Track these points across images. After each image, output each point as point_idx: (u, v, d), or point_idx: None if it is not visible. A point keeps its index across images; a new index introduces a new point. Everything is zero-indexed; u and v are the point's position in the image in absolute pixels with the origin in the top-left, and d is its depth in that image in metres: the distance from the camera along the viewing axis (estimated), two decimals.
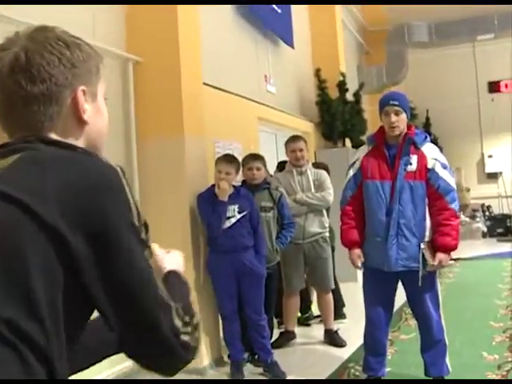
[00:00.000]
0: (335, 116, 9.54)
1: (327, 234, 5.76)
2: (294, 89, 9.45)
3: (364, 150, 4.40)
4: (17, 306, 1.02)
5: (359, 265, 4.29)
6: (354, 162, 4.39)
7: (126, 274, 1.12)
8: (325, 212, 5.80)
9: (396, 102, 4.16)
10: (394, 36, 13.97)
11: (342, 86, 9.91)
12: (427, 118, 15.51)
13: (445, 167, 4.13)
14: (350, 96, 10.10)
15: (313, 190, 5.63)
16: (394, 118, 4.12)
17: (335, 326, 5.91)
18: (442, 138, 15.30)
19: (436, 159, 4.11)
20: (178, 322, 1.17)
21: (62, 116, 1.25)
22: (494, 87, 15.80)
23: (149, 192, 5.13)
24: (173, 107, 5.08)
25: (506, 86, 15.71)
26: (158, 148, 5.15)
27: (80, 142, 1.27)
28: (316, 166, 6.17)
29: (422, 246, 4.07)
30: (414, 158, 4.11)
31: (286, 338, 5.83)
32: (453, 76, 15.65)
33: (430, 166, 4.09)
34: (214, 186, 4.97)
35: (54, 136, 1.24)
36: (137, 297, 1.13)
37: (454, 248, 4.13)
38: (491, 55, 15.31)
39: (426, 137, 4.25)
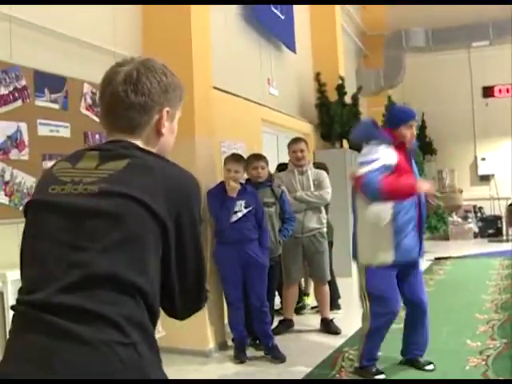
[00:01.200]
0: (334, 118, 9.96)
1: (324, 230, 6.20)
2: (294, 92, 9.86)
3: (386, 148, 4.43)
4: (137, 274, 1.47)
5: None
6: (380, 158, 4.34)
7: (194, 244, 1.64)
8: (323, 209, 6.23)
9: (417, 118, 4.77)
10: (392, 41, 14.37)
11: (340, 90, 10.32)
12: (423, 121, 15.84)
13: None
14: (348, 99, 10.53)
15: (312, 188, 6.07)
16: (414, 131, 4.65)
17: (331, 315, 6.34)
18: (437, 140, 15.74)
19: None
20: None
21: (149, 125, 1.69)
22: (488, 92, 16.19)
23: None
24: (185, 110, 5.46)
25: (500, 91, 16.12)
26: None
27: (154, 150, 1.72)
28: (316, 165, 6.60)
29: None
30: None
31: (285, 325, 6.26)
32: (448, 80, 16.03)
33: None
34: (222, 182, 5.38)
35: (140, 142, 1.68)
36: (196, 258, 1.66)
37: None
38: (486, 61, 15.67)
39: None
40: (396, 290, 4.60)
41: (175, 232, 1.56)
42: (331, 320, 6.24)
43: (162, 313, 1.65)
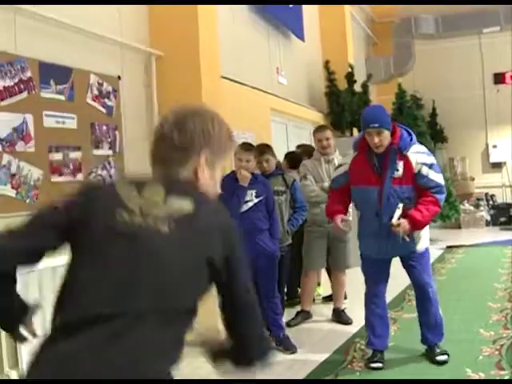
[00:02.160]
0: (343, 107, 9.91)
1: (350, 218, 6.12)
2: (304, 80, 9.80)
3: (351, 156, 4.66)
4: (196, 300, 1.69)
5: (343, 227, 4.63)
6: (340, 165, 4.75)
7: (243, 274, 1.80)
8: None
9: (376, 125, 4.33)
10: (402, 28, 14.25)
11: (350, 78, 10.26)
12: (433, 109, 15.76)
13: (430, 166, 4.42)
14: (357, 87, 10.45)
15: None
16: (376, 139, 4.35)
17: (343, 305, 6.28)
18: (448, 128, 15.60)
19: (422, 163, 4.40)
20: None
21: (191, 165, 1.78)
22: (499, 79, 16.00)
23: None
24: (193, 99, 5.45)
25: (511, 77, 15.94)
26: None
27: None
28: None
29: (400, 205, 4.35)
30: (400, 164, 4.40)
31: (303, 317, 6.21)
32: (459, 67, 15.86)
33: (415, 170, 4.39)
34: (233, 172, 5.33)
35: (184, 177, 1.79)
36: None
37: (419, 223, 4.36)
38: (497, 47, 15.48)
39: (411, 139, 4.51)
40: (380, 277, 4.70)
41: (225, 264, 1.73)
42: (343, 310, 6.19)
43: None
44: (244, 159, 5.26)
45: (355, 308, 6.00)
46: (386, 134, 4.37)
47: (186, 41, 5.53)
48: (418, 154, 4.45)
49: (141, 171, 5.15)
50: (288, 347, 5.23)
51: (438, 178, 4.43)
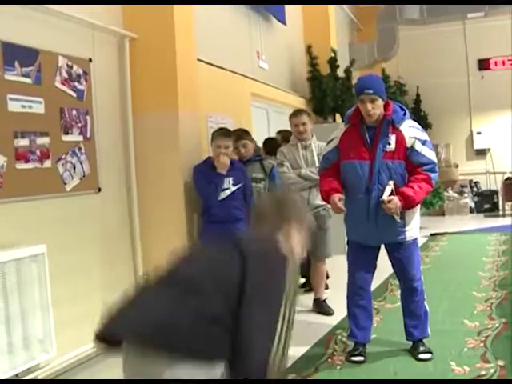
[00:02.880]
0: (326, 92, 9.71)
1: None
2: (285, 65, 9.59)
3: (342, 128, 4.49)
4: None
5: (341, 206, 4.33)
6: (331, 140, 4.52)
7: None
8: None
9: (371, 91, 4.18)
10: (386, 13, 14.02)
11: (332, 63, 10.06)
12: (417, 95, 15.62)
13: (424, 143, 4.24)
14: (341, 72, 10.25)
15: (317, 164, 5.73)
16: (369, 106, 4.19)
17: (324, 295, 6.11)
18: (432, 114, 15.45)
19: (415, 137, 4.22)
20: None
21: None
22: (483, 65, 15.88)
23: (145, 165, 5.32)
24: (168, 83, 5.25)
25: (496, 63, 15.82)
26: (153, 122, 5.32)
27: None
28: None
29: (391, 182, 4.18)
30: (392, 138, 4.22)
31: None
32: (443, 53, 15.71)
33: (408, 145, 4.20)
34: (210, 158, 5.14)
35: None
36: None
37: (411, 200, 4.16)
38: (481, 33, 15.35)
39: (404, 113, 4.33)
40: (366, 266, 4.50)
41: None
42: (324, 300, 6.01)
43: None
44: (223, 145, 5.08)
45: (337, 298, 5.81)
46: (380, 102, 4.22)
47: (161, 23, 5.30)
48: (412, 129, 4.28)
49: (112, 158, 4.86)
50: None
51: (431, 155, 4.25)
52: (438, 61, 15.70)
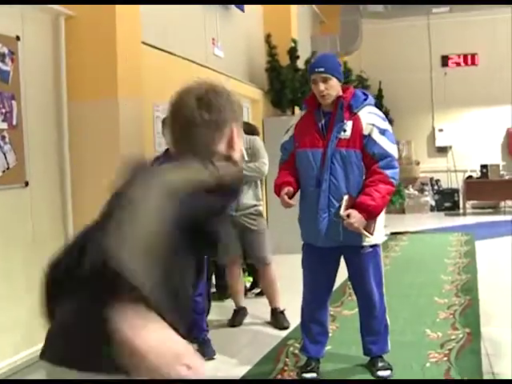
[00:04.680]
0: (285, 83, 9.27)
1: (261, 207, 5.48)
2: (243, 54, 9.12)
3: (298, 116, 4.10)
4: None
5: (288, 200, 3.84)
6: (289, 129, 4.07)
7: None
8: (259, 183, 5.52)
9: (322, 69, 3.78)
10: (349, 5, 13.69)
11: (292, 53, 9.62)
12: (380, 90, 15.32)
13: (383, 132, 3.76)
14: (301, 64, 9.82)
15: (246, 158, 5.30)
16: (322, 86, 3.77)
17: (281, 305, 5.49)
18: (394, 110, 15.16)
19: (373, 124, 3.75)
20: None
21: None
22: (446, 61, 15.69)
23: (81, 156, 4.80)
24: (106, 66, 4.74)
25: (456, 63, 15.63)
26: (91, 110, 4.81)
27: None
28: (244, 129, 5.89)
29: (346, 196, 3.72)
30: (348, 125, 3.76)
31: (240, 314, 5.57)
32: (407, 48, 15.49)
33: (365, 132, 3.73)
34: (168, 150, 4.67)
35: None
36: None
37: (373, 210, 3.70)
38: (445, 29, 15.19)
39: (365, 98, 3.87)
40: (321, 275, 4.00)
41: None
42: (282, 311, 5.44)
43: None
44: None
45: (290, 302, 5.37)
46: (334, 82, 3.79)
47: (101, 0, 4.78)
48: (371, 115, 3.81)
49: (43, 148, 4.21)
50: (205, 353, 4.46)
51: (389, 147, 3.76)
52: (402, 56, 15.48)
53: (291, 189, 3.89)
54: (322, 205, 3.79)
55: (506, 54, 14.57)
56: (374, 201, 3.68)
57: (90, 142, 4.81)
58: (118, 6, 4.74)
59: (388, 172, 3.75)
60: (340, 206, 3.70)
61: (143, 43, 5.33)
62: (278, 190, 3.95)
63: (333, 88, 3.80)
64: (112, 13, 4.75)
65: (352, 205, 3.70)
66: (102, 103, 4.76)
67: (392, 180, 3.76)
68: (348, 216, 3.64)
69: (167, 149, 4.71)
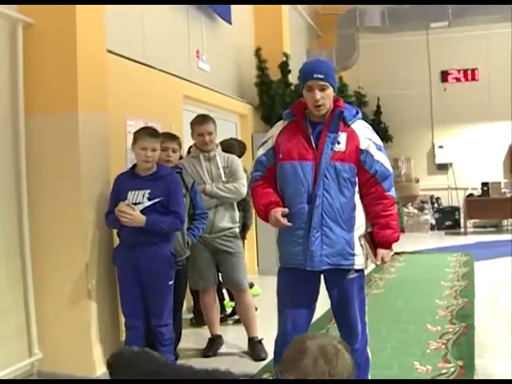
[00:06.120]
0: (275, 99, 8.95)
1: (237, 230, 5.11)
2: (231, 68, 8.79)
3: (279, 126, 3.66)
4: None
5: (285, 222, 3.43)
6: (266, 141, 3.65)
7: None
8: (235, 205, 5.16)
9: (321, 76, 3.39)
10: (346, 20, 13.40)
11: (284, 67, 9.31)
12: (378, 106, 15.07)
13: (380, 149, 3.48)
14: (294, 79, 9.49)
15: (223, 178, 4.93)
16: (318, 95, 3.39)
17: (259, 334, 5.11)
18: (393, 127, 14.89)
19: (370, 139, 3.45)
20: None
21: None
22: (446, 77, 15.39)
23: (39, 173, 4.44)
24: (66, 77, 4.37)
25: (459, 76, 15.32)
26: (50, 124, 4.43)
27: None
28: (225, 145, 5.55)
29: (362, 240, 3.46)
30: (342, 137, 3.41)
31: (215, 344, 5.19)
32: (405, 63, 15.21)
33: (363, 146, 3.41)
34: (134, 166, 4.31)
35: None
36: None
37: (396, 240, 3.55)
38: (445, 43, 14.92)
39: (357, 112, 3.55)
40: (300, 304, 3.56)
41: None
42: (259, 341, 5.06)
43: None
44: (149, 148, 4.18)
45: (271, 330, 4.99)
46: (330, 92, 3.44)
47: (62, 7, 4.42)
48: (368, 130, 3.52)
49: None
50: None
51: (388, 164, 3.49)
52: (400, 71, 15.19)
53: (286, 210, 3.48)
54: (315, 223, 3.40)
55: (507, 69, 14.26)
56: (396, 231, 3.55)
57: (49, 157, 4.44)
58: (78, 12, 4.38)
59: (391, 193, 3.51)
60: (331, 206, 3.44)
61: (110, 52, 4.98)
62: (264, 213, 3.55)
63: (329, 98, 3.44)
64: (72, 19, 4.40)
65: (368, 240, 3.53)
66: (60, 116, 4.39)
67: (394, 199, 3.57)
68: (381, 260, 3.55)
69: (134, 165, 4.36)
